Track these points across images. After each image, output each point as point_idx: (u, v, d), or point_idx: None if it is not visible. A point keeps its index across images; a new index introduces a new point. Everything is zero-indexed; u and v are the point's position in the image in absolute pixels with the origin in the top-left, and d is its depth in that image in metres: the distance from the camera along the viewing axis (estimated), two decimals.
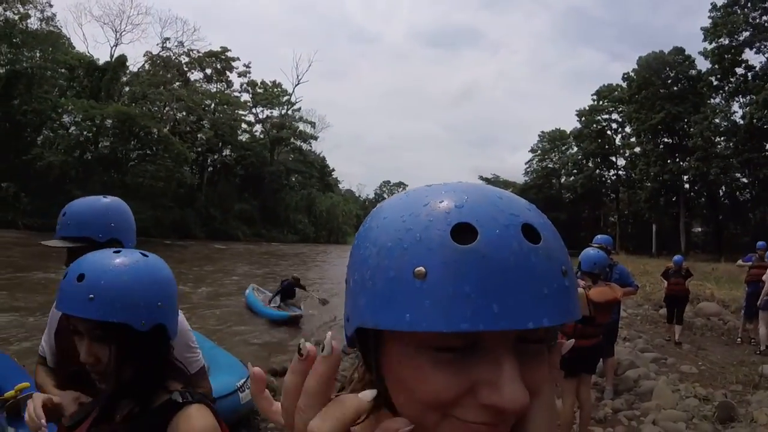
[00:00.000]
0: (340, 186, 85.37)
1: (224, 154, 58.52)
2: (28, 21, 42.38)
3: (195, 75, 56.81)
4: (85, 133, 42.90)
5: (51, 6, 44.42)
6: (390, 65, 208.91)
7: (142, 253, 1.33)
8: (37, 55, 42.48)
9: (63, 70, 44.75)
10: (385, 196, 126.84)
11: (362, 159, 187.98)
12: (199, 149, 53.65)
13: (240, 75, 60.67)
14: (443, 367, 0.49)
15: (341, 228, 73.27)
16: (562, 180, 66.38)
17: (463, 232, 0.48)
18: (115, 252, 1.30)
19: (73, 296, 1.21)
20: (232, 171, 58.39)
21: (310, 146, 67.18)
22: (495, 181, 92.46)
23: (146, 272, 1.28)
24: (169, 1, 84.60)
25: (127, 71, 48.87)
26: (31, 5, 42.30)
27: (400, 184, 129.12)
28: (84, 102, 41.47)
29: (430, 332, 0.46)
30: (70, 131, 43.14)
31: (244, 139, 60.70)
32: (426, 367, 0.49)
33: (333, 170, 76.17)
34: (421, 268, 0.47)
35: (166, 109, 49.76)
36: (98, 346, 1.23)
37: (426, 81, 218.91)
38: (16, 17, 41.44)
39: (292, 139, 63.50)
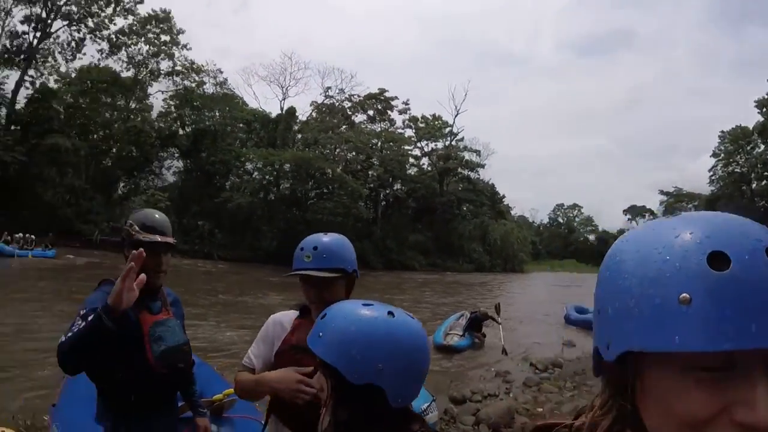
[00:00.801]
0: (512, 212, 79.54)
1: (395, 188, 57.79)
2: (204, 87, 46.78)
3: (359, 117, 57.64)
4: (266, 177, 45.57)
5: (222, 72, 48.38)
6: (545, 83, 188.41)
7: (389, 312, 1.26)
8: (217, 114, 46.65)
9: (241, 125, 49.09)
10: (560, 220, 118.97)
11: (531, 183, 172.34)
12: (372, 185, 53.57)
13: (401, 113, 59.93)
14: (704, 386, 0.51)
15: (517, 256, 67.66)
16: (753, 186, 56.31)
17: (716, 259, 0.51)
18: (366, 305, 1.29)
19: (314, 330, 1.27)
20: (404, 204, 57.38)
21: (478, 174, 63.60)
22: (678, 194, 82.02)
23: (377, 330, 1.22)
24: (325, 55, 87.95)
25: (297, 120, 51.55)
26: (204, 74, 46.65)
27: (575, 206, 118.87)
28: (263, 150, 44.62)
29: (695, 353, 0.49)
30: (253, 176, 46.19)
31: (412, 173, 59.45)
32: (689, 387, 0.51)
33: (503, 197, 71.35)
34: (686, 295, 0.50)
35: (337, 150, 50.69)
36: (323, 378, 1.27)
37: (586, 93, 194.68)
38: (194, 85, 46.20)
39: (459, 169, 60.47)
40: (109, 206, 38.45)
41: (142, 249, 1.88)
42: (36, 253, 24.84)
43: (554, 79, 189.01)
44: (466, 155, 61.21)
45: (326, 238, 2.02)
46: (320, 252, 1.96)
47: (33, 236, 26.11)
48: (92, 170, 39.61)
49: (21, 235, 25.70)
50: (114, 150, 43.01)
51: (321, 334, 1.24)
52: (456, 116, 61.94)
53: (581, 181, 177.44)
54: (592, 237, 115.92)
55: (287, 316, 2.20)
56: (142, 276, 1.85)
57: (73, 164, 36.59)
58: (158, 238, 2.23)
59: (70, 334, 1.87)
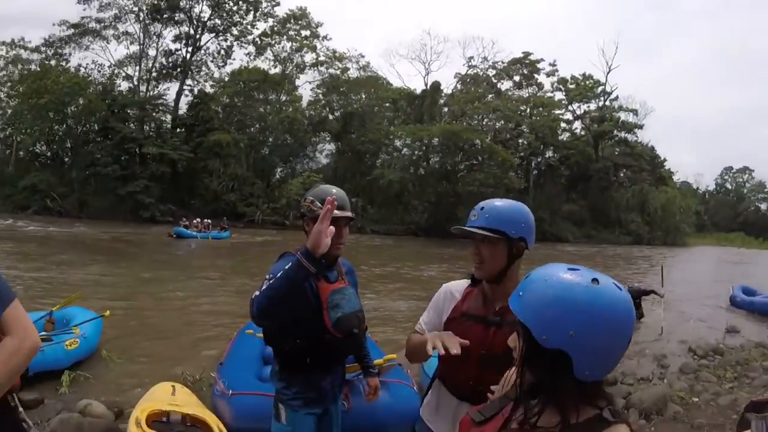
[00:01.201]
0: (675, 178, 69.94)
1: (547, 155, 53.71)
2: (348, 72, 48.49)
3: (504, 84, 54.36)
4: (415, 152, 45.28)
5: (363, 57, 50.24)
6: (705, 26, 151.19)
7: (594, 279, 1.18)
8: (363, 96, 47.92)
9: (387, 104, 49.46)
10: (728, 186, 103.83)
11: (695, 145, 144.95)
12: (522, 154, 50.31)
13: (548, 75, 55.22)
14: None
15: (679, 227, 58.50)
16: None
17: None
18: (571, 269, 1.22)
19: (516, 289, 1.26)
20: (556, 172, 53.01)
21: (636, 136, 56.68)
22: None
23: (575, 296, 1.15)
24: (463, 26, 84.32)
25: (442, 94, 50.29)
26: (347, 60, 48.45)
27: (745, 170, 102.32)
28: (411, 127, 44.22)
29: None
30: (402, 152, 46.32)
31: (564, 139, 54.93)
32: None
33: (664, 161, 62.78)
34: None
35: (485, 120, 48.84)
36: (516, 337, 1.27)
37: (755, 33, 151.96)
38: (338, 72, 48.10)
39: (614, 132, 54.45)
40: (269, 190, 40.47)
41: (334, 195, 2.01)
42: (213, 234, 26.49)
43: (718, 20, 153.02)
44: (622, 116, 54.83)
45: (498, 202, 2.03)
46: (485, 212, 1.97)
47: (209, 220, 28.01)
48: (251, 159, 41.67)
49: (198, 220, 27.71)
50: (270, 140, 45.09)
51: (521, 293, 1.23)
52: (608, 73, 55.65)
53: (754, 141, 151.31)
54: (764, 206, 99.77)
55: (459, 285, 2.20)
56: (332, 228, 1.92)
57: (234, 156, 39.26)
58: (338, 213, 2.23)
59: (265, 287, 1.98)
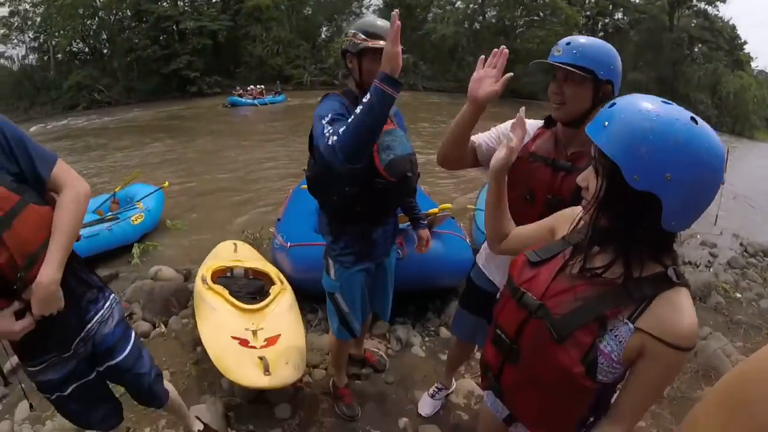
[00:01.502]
0: (753, 65, 61.92)
1: (616, 17, 48.63)
2: None
3: None
4: (470, 5, 41.96)
5: None
6: None
7: (692, 117, 1.04)
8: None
9: None
10: None
11: None
12: (588, 13, 45.99)
13: None
14: None
15: (749, 118, 53.22)
16: None
17: None
18: (665, 102, 1.06)
19: (597, 118, 1.10)
20: (625, 36, 47.65)
21: (717, 10, 48.92)
22: None
23: (676, 134, 1.00)
24: None
25: None
26: None
27: None
28: None
29: None
30: (456, 6, 42.90)
31: (637, 1, 48.90)
32: None
33: (745, 43, 55.03)
34: None
35: None
36: (593, 173, 1.14)
37: None
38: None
39: (694, 1, 47.59)
40: (315, 51, 39.28)
41: (396, 11, 1.75)
42: (268, 99, 26.29)
43: None
44: None
45: (584, 38, 1.80)
46: (572, 47, 1.75)
47: (262, 86, 27.69)
48: (294, 21, 39.75)
49: (252, 87, 27.36)
50: None
51: (607, 123, 1.06)
52: None
53: None
54: None
55: (531, 124, 2.03)
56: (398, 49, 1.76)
57: (275, 19, 37.56)
58: (381, 43, 2.05)
59: (345, 127, 1.82)
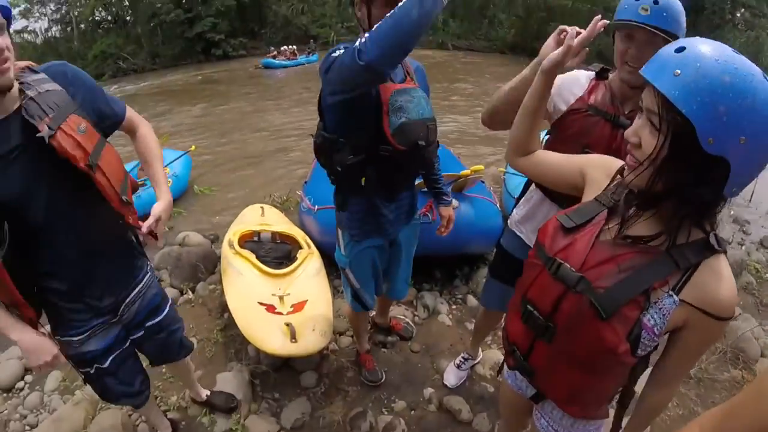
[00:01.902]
0: None
1: None
2: None
3: None
4: None
5: None
6: None
7: (764, 74, 0.93)
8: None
9: None
10: None
11: None
12: None
13: None
14: None
15: None
16: None
17: None
18: (735, 51, 0.96)
19: (661, 63, 0.95)
20: None
21: None
22: None
23: (758, 92, 0.89)
24: None
25: None
26: None
27: None
28: None
29: None
30: None
31: None
32: None
33: None
34: None
35: None
36: (650, 129, 0.99)
37: None
38: None
39: None
40: (341, 9, 38.28)
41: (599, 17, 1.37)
42: (302, 60, 26.22)
43: None
44: None
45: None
46: (661, 8, 1.60)
47: (294, 46, 27.74)
48: None
49: (285, 47, 27.40)
50: None
51: (678, 71, 0.91)
52: None
53: None
54: None
55: (582, 75, 1.91)
56: None
57: None
58: None
59: (378, 24, 1.51)
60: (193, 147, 7.11)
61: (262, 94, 17.06)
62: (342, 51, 1.63)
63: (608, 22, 1.38)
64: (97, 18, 40.75)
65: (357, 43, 1.54)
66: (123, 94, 21.05)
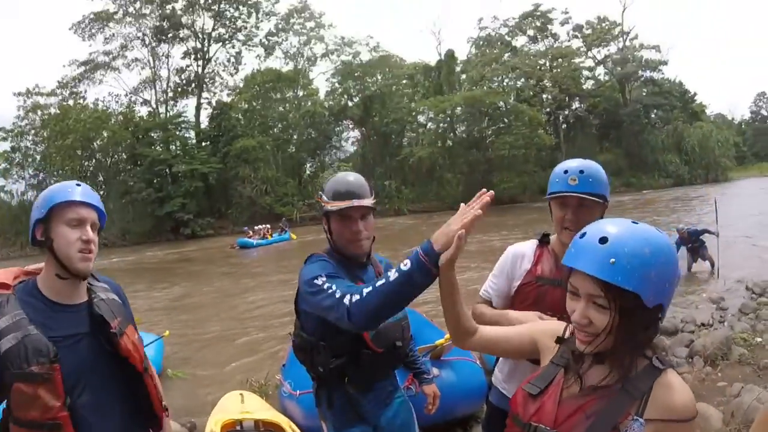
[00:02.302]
0: (707, 112, 65.91)
1: (574, 107, 52.07)
2: (360, 57, 48.25)
3: (519, 41, 52.74)
4: (440, 125, 44.65)
5: (372, 38, 51.57)
6: None
7: (633, 222, 1.22)
8: (379, 78, 47.39)
9: (404, 81, 48.43)
10: (764, 112, 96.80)
11: (726, 72, 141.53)
12: (548, 109, 48.94)
13: (562, 24, 53.05)
14: None
15: (719, 162, 53.58)
16: None
17: None
18: (634, 222, 1.22)
19: (592, 256, 1.16)
20: (586, 122, 51.40)
21: (662, 73, 53.71)
22: None
23: (663, 249, 1.17)
24: None
25: (458, 61, 49.26)
26: (356, 44, 48.30)
27: None
28: (432, 100, 43.30)
29: None
30: (427, 127, 45.77)
31: (589, 87, 52.92)
32: None
33: (695, 95, 58.92)
34: None
35: (506, 81, 47.87)
36: (595, 308, 1.18)
37: None
38: (350, 58, 48.19)
39: (639, 72, 52.00)
40: (302, 187, 40.75)
41: (484, 190, 1.56)
42: (275, 239, 26.73)
43: None
44: (644, 54, 52.17)
45: (587, 163, 1.95)
46: (587, 176, 1.88)
47: (268, 225, 28.15)
48: (280, 159, 41.70)
49: (261, 226, 27.87)
50: (295, 137, 44.98)
51: (613, 259, 1.12)
52: (623, 12, 55.35)
53: None
54: None
55: (526, 248, 2.12)
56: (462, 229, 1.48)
57: (262, 159, 39.41)
58: (352, 203, 1.98)
59: (372, 290, 1.60)
60: (167, 332, 7.00)
61: (239, 273, 17.23)
62: (334, 289, 1.72)
63: (493, 193, 1.52)
64: None
65: (346, 300, 1.64)
66: (97, 269, 20.91)
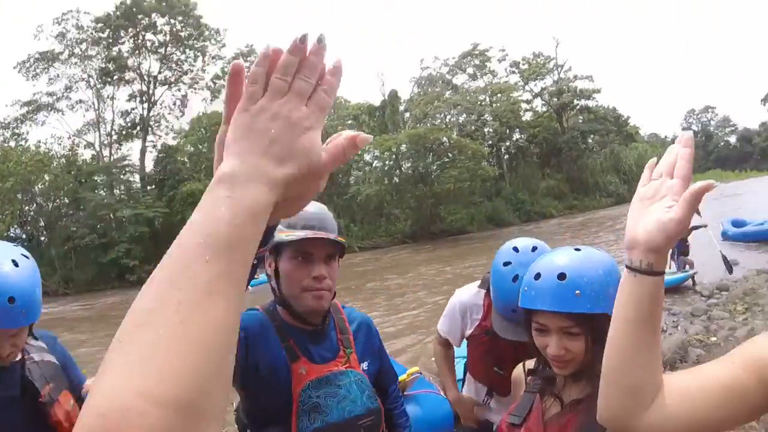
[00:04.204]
0: (641, 133, 70.24)
1: (515, 138, 54.11)
2: None
3: (460, 79, 54.21)
4: (386, 162, 45.18)
5: None
6: None
7: (576, 249, 1.33)
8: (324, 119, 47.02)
9: (349, 122, 48.84)
10: (694, 128, 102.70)
11: (654, 94, 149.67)
12: (490, 142, 50.50)
13: (500, 61, 55.14)
14: None
15: None
16: None
17: None
18: (576, 249, 1.31)
19: (556, 294, 1.23)
20: (527, 152, 53.37)
21: (596, 101, 56.68)
22: None
23: (609, 264, 1.28)
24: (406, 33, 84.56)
25: (402, 101, 50.27)
26: None
27: (707, 109, 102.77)
28: (377, 138, 43.38)
29: None
30: (374, 165, 46.22)
31: (528, 119, 55.10)
32: None
33: (628, 118, 62.61)
34: None
35: (448, 118, 49.17)
36: (571, 338, 1.24)
37: None
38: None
39: (575, 101, 54.64)
40: None
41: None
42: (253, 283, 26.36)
43: None
44: (579, 84, 55.02)
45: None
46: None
47: None
48: None
49: None
50: None
51: (578, 291, 1.19)
52: (557, 46, 57.92)
53: (708, 77, 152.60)
54: (732, 139, 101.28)
55: (473, 296, 2.13)
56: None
57: None
58: (315, 233, 1.44)
59: None
60: None
61: None
62: None
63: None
64: (11, 234, 39.97)
65: None
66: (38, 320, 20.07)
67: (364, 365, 1.59)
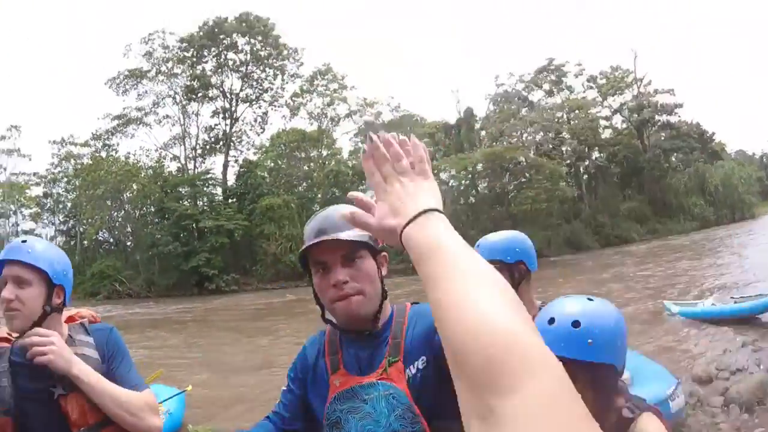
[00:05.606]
0: (728, 150, 65.26)
1: (594, 157, 51.67)
2: (382, 116, 49.18)
3: (536, 95, 52.91)
4: (462, 182, 44.95)
5: (393, 98, 52.42)
6: None
7: (588, 298, 1.35)
8: (401, 136, 47.10)
9: (425, 140, 48.39)
10: None
11: (740, 107, 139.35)
12: (568, 161, 48.59)
13: (576, 76, 53.18)
14: None
15: (744, 200, 52.92)
16: None
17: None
18: (589, 299, 1.34)
19: (569, 341, 1.24)
20: (607, 172, 50.89)
21: (679, 116, 52.86)
22: None
23: (619, 318, 1.31)
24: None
25: (477, 118, 49.94)
26: (378, 104, 49.31)
27: None
28: (453, 157, 43.63)
29: None
30: (450, 185, 45.38)
31: (607, 136, 52.65)
32: None
33: (713, 134, 57.85)
34: None
35: (524, 136, 47.61)
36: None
37: None
38: (372, 117, 48.98)
39: (656, 117, 51.74)
40: None
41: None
42: None
43: None
44: (659, 98, 51.62)
45: (490, 236, 2.40)
46: (479, 249, 2.23)
47: None
48: (304, 218, 41.83)
49: None
50: (318, 195, 45.46)
51: (590, 340, 1.23)
52: (635, 59, 53.70)
53: None
54: None
55: None
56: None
57: (287, 217, 39.67)
58: (320, 239, 1.34)
59: None
60: (189, 387, 6.85)
61: (270, 329, 16.81)
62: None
63: None
64: (100, 238, 42.57)
65: None
66: (120, 319, 20.86)
67: (419, 364, 1.29)
